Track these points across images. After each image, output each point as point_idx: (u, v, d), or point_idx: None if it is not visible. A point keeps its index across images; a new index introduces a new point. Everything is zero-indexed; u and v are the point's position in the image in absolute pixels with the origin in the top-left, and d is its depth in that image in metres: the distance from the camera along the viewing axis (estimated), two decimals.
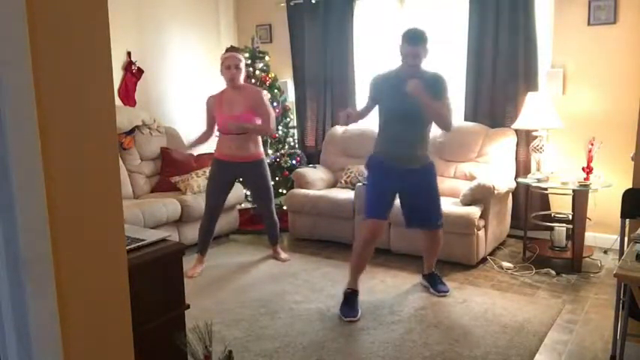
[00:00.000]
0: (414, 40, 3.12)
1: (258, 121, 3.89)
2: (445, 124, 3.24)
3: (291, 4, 5.47)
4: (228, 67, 3.82)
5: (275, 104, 5.14)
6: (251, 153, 3.96)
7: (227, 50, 3.97)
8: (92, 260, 1.30)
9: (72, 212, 1.24)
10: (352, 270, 3.36)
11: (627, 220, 2.62)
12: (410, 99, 3.12)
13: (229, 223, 4.85)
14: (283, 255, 4.28)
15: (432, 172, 3.39)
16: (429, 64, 3.30)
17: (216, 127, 4.02)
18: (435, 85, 3.21)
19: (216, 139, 4.07)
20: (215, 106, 3.94)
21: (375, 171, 3.38)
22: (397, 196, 3.37)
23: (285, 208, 4.92)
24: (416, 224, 3.49)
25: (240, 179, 4.31)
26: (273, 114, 4.00)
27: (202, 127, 4.13)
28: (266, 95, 4.13)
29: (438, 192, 3.45)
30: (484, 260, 4.10)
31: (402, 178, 3.29)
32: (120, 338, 1.40)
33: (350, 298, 3.30)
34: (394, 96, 3.21)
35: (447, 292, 3.51)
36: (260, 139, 4.06)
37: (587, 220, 3.91)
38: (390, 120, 3.31)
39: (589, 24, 4.22)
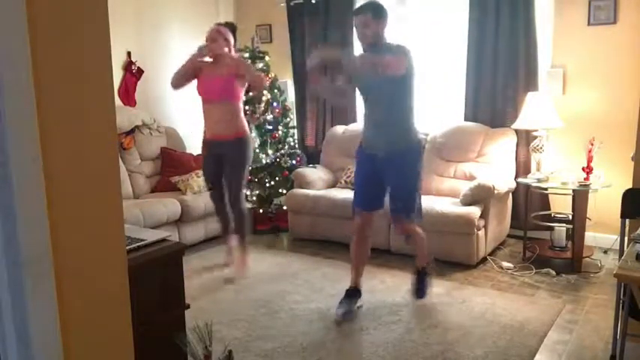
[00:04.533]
0: (358, 10, 3.07)
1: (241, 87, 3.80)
2: (384, 64, 2.88)
3: (291, 4, 5.47)
4: (208, 39, 3.73)
5: (275, 104, 5.14)
6: (234, 129, 3.77)
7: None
8: (92, 260, 1.30)
9: (72, 212, 1.24)
10: (351, 267, 3.35)
11: (627, 220, 2.62)
12: (378, 76, 2.93)
13: None
14: (237, 269, 3.85)
15: (415, 154, 3.16)
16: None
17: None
18: (397, 54, 2.96)
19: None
20: (200, 67, 3.75)
21: (358, 161, 3.31)
22: (385, 186, 3.19)
23: (285, 208, 4.92)
24: (391, 214, 3.27)
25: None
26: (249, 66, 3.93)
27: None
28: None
29: (417, 179, 3.16)
30: (484, 260, 4.10)
31: (384, 163, 3.10)
32: (120, 338, 1.40)
33: (349, 294, 3.28)
34: (362, 75, 3.07)
35: (422, 297, 3.38)
36: (242, 112, 3.87)
37: (587, 220, 3.91)
38: (365, 102, 3.21)
39: (589, 24, 4.22)
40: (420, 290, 3.42)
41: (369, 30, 3.00)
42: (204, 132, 3.91)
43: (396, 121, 3.10)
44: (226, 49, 3.76)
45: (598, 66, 4.22)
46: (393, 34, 3.21)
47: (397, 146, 3.09)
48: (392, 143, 3.08)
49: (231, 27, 3.86)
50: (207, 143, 3.90)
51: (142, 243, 2.00)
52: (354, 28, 3.13)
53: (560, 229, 4.04)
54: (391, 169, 3.11)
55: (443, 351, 2.80)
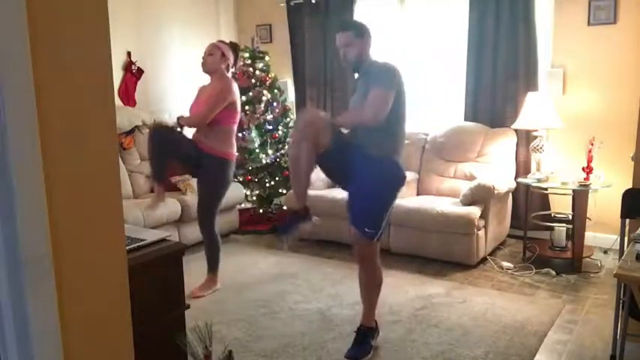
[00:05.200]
0: (339, 29, 2.85)
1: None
2: (364, 122, 2.71)
3: (291, 4, 5.47)
4: (205, 53, 3.65)
5: (275, 104, 5.14)
6: (218, 148, 3.55)
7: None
8: (92, 260, 1.30)
9: (72, 212, 1.24)
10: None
11: (627, 220, 2.62)
12: (354, 98, 2.84)
13: (229, 223, 4.85)
14: (205, 292, 3.58)
15: (375, 168, 2.74)
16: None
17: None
18: (367, 75, 2.79)
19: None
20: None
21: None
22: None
23: (285, 208, 4.91)
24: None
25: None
26: (212, 103, 3.52)
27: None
28: (225, 90, 3.55)
29: (374, 194, 2.75)
30: (484, 260, 4.10)
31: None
32: (120, 338, 1.40)
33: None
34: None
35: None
36: (232, 136, 3.62)
37: (587, 220, 3.91)
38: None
39: (589, 24, 4.22)
40: (353, 352, 2.77)
41: (352, 49, 2.80)
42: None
43: (368, 134, 2.77)
44: (223, 66, 3.61)
45: (598, 66, 4.22)
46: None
47: (365, 162, 2.75)
48: (361, 162, 2.76)
49: (233, 46, 3.73)
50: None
51: (142, 243, 2.00)
52: (338, 48, 2.86)
53: (560, 229, 4.04)
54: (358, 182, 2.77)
55: (443, 351, 2.80)
